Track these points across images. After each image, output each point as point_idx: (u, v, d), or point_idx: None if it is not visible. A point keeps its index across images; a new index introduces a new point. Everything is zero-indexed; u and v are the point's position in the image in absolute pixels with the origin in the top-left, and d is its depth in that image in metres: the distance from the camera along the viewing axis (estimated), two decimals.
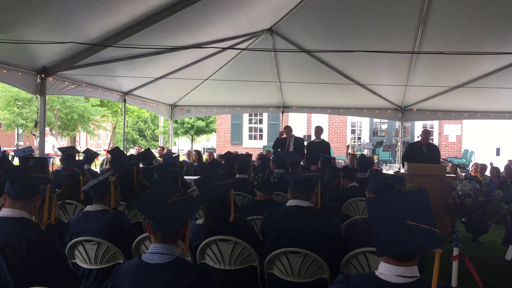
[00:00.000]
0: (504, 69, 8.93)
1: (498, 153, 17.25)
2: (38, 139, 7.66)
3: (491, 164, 11.95)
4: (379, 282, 1.83)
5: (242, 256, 3.23)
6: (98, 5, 5.40)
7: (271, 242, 3.30)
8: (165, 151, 12.14)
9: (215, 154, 13.38)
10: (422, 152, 8.52)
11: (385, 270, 1.85)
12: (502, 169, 10.98)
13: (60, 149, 7.60)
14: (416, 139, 18.96)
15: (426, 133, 9.03)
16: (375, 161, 13.43)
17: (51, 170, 6.22)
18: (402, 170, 8.94)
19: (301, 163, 7.92)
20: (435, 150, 8.80)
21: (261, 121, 22.74)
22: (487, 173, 10.48)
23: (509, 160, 11.98)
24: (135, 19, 6.29)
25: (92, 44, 6.53)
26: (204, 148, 32.14)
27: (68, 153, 6.82)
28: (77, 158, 7.20)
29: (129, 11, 5.98)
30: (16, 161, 7.36)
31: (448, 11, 7.41)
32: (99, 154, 7.51)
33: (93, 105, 24.49)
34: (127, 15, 6.09)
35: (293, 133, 9.83)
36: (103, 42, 6.59)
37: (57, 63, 7.15)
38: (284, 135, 9.85)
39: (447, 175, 8.16)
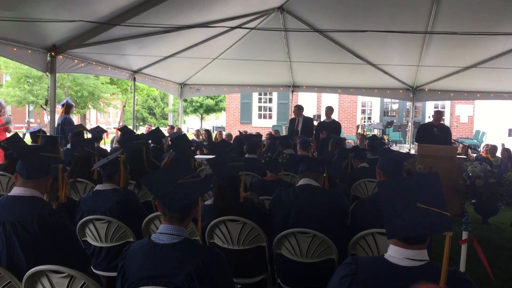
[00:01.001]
0: None
1: (510, 134, 17.06)
2: (48, 116, 7.73)
3: (502, 145, 11.83)
4: (388, 265, 1.82)
5: (250, 236, 3.25)
6: None
7: (282, 219, 3.34)
8: (175, 129, 12.17)
9: (224, 133, 13.40)
10: (433, 133, 8.45)
11: (394, 253, 1.84)
12: None
13: (66, 127, 7.63)
14: (427, 120, 18.85)
15: (438, 114, 8.92)
16: (385, 141, 13.35)
17: (61, 149, 6.27)
18: (413, 151, 8.88)
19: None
20: (446, 131, 8.72)
21: (270, 100, 22.65)
22: (498, 154, 10.37)
23: None
24: None
25: (100, 23, 6.49)
26: (213, 127, 32.18)
27: (75, 131, 6.83)
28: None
29: None
30: (27, 138, 7.44)
31: None
32: (106, 131, 7.59)
33: (102, 83, 24.48)
34: None
35: (303, 113, 9.78)
36: (112, 20, 6.55)
37: (67, 41, 7.14)
38: (293, 115, 9.81)
39: (457, 156, 8.09)
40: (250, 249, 3.29)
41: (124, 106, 13.57)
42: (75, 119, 27.04)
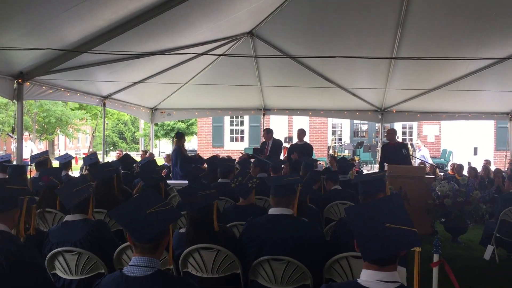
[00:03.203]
0: (480, 71, 9.12)
1: (475, 153, 17.57)
2: (16, 144, 7.55)
3: (469, 163, 12.16)
4: None
5: (225, 263, 3.22)
6: (77, 9, 5.32)
7: (256, 251, 3.27)
8: (147, 154, 12.05)
9: None
10: (392, 152, 8.77)
11: (366, 276, 1.88)
12: (479, 169, 11.20)
13: (32, 156, 7.45)
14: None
15: (390, 133, 9.26)
16: (355, 163, 13.54)
17: (29, 177, 6.12)
18: None
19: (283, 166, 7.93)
20: (403, 147, 9.01)
21: (242, 123, 22.73)
22: (465, 172, 10.67)
23: (485, 160, 12.22)
24: (114, 23, 6.20)
25: (68, 51, 6.43)
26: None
27: (38, 160, 6.65)
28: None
29: (108, 15, 5.90)
30: None
31: (425, 16, 7.52)
32: (73, 158, 7.48)
33: (72, 109, 24.10)
34: (106, 20, 6.01)
35: (273, 135, 9.88)
36: (81, 47, 6.49)
37: (35, 68, 7.01)
38: (263, 139, 9.90)
39: (426, 176, 8.28)
40: (224, 276, 3.26)
41: (94, 132, 13.39)
42: (43, 145, 26.48)
